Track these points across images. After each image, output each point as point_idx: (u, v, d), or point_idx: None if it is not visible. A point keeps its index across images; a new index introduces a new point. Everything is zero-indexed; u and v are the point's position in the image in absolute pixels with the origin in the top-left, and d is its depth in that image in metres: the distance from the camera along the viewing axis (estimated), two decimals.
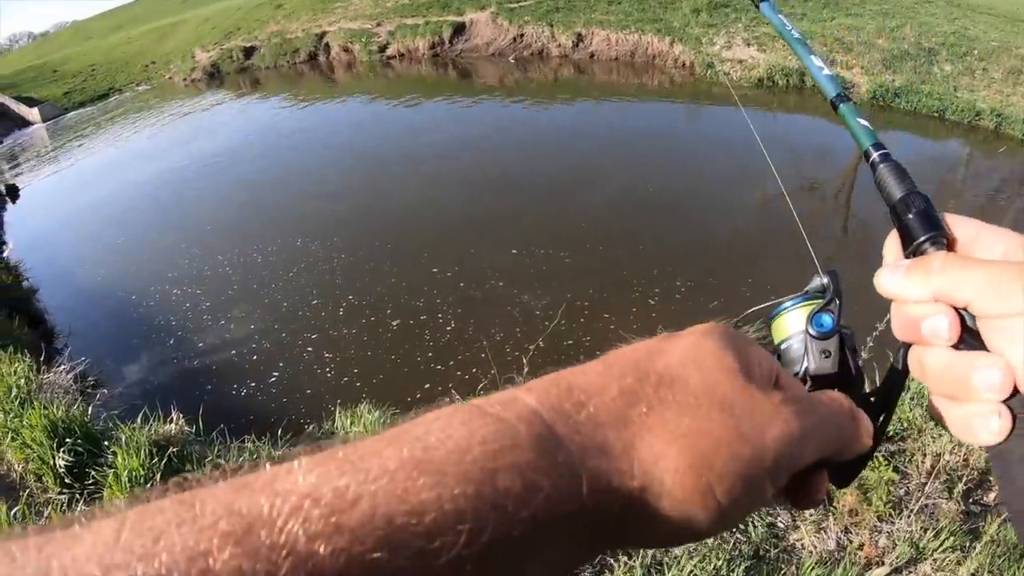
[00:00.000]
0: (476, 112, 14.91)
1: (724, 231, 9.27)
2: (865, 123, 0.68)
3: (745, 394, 0.38)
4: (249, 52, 21.22)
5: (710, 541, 3.67)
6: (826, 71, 0.74)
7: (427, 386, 6.40)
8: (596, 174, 11.07)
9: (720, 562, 3.53)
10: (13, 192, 17.28)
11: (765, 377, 0.42)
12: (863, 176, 12.40)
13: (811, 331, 0.58)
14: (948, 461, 4.87)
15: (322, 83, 17.60)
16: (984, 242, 0.52)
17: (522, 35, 18.43)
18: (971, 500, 4.38)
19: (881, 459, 4.41)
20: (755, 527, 3.82)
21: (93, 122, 23.17)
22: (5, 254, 11.66)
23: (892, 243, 0.57)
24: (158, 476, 3.76)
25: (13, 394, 4.79)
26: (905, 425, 5.06)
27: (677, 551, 3.64)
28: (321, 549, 0.26)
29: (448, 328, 7.29)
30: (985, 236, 0.52)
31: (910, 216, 0.56)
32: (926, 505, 4.00)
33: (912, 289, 0.49)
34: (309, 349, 7.09)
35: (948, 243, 0.53)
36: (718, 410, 0.37)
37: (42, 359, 5.81)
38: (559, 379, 0.37)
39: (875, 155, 0.64)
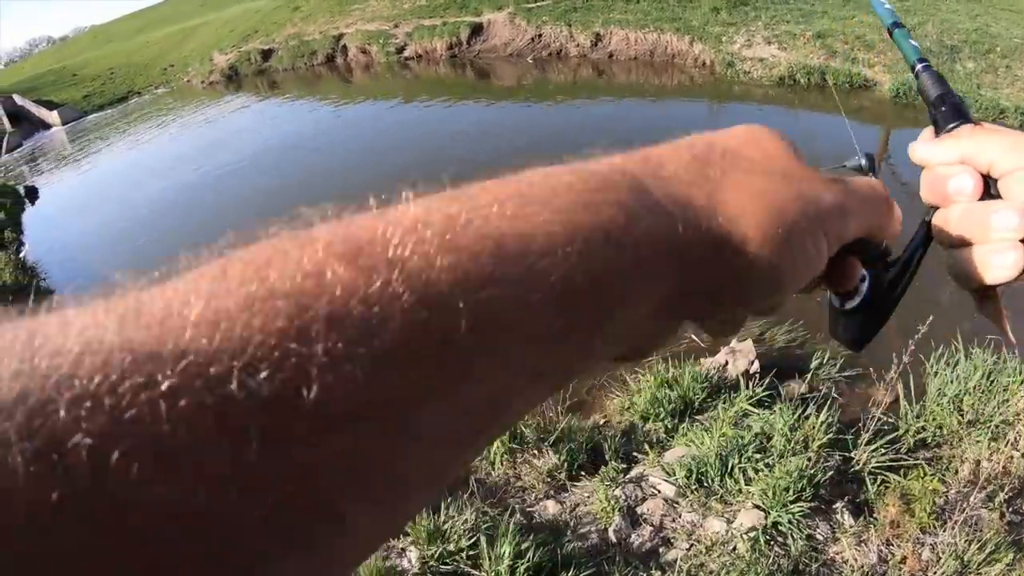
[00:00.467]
0: (497, 114, 14.91)
1: None
2: (915, 43, 0.74)
3: (801, 168, 0.42)
4: (267, 54, 21.34)
5: (747, 554, 3.60)
6: (886, 4, 0.79)
7: None
8: None
9: None
10: (32, 194, 17.47)
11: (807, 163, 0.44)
12: (886, 176, 12.51)
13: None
14: (987, 468, 4.78)
15: (340, 84, 17.65)
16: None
17: (540, 35, 18.38)
18: (1012, 509, 4.29)
19: (925, 467, 4.32)
20: (794, 540, 3.74)
21: (112, 125, 23.35)
22: (22, 254, 11.72)
23: (927, 133, 0.62)
24: None
25: None
26: (944, 431, 4.97)
27: (714, 565, 3.58)
28: (437, 263, 0.25)
29: None
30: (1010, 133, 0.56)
31: (943, 109, 0.62)
32: (969, 516, 3.90)
33: (942, 154, 0.56)
34: None
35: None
36: (781, 176, 0.40)
37: None
38: (633, 152, 0.38)
39: (919, 66, 0.71)
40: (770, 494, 3.91)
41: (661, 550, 3.73)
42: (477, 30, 18.61)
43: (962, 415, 5.47)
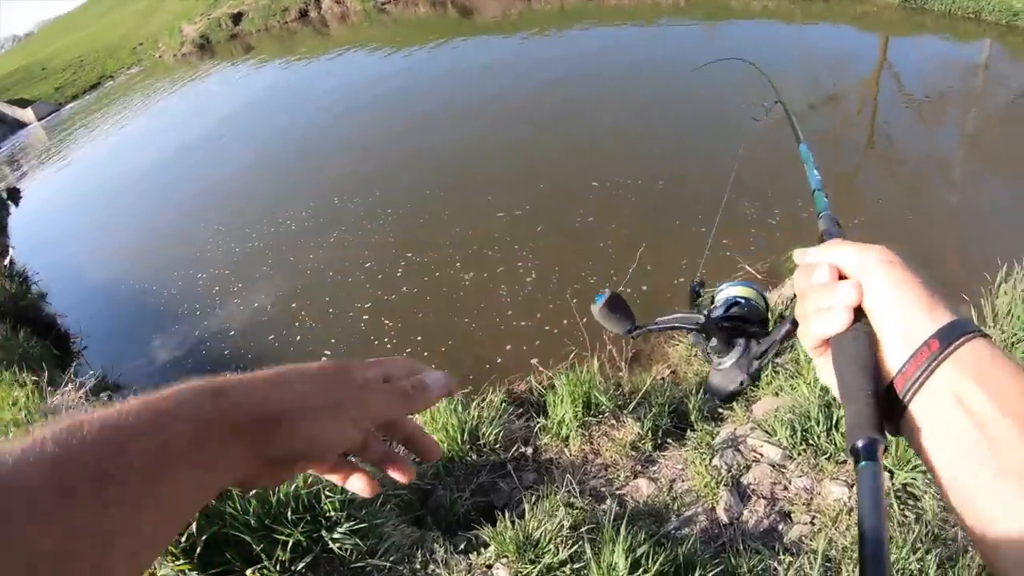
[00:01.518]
0: (489, 49, 14.06)
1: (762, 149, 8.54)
2: (828, 200, 1.01)
3: (335, 379, 0.64)
4: (237, 18, 20.28)
5: None
6: (818, 177, 1.10)
7: (508, 347, 5.66)
8: (630, 100, 10.29)
9: None
10: (15, 195, 16.84)
11: None
12: (886, 86, 11.98)
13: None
14: None
15: (317, 39, 16.64)
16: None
17: None
18: None
19: None
20: (928, 503, 3.22)
21: (89, 113, 22.55)
22: (7, 261, 11.05)
23: (815, 245, 0.82)
24: None
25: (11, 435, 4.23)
26: None
27: (845, 541, 3.07)
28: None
29: (528, 279, 6.49)
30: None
31: (825, 234, 0.90)
32: None
33: (813, 256, 0.76)
34: (365, 318, 6.30)
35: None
36: (320, 384, 0.62)
37: (50, 376, 5.29)
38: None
39: (821, 214, 0.97)
40: (893, 451, 3.40)
41: (781, 527, 3.20)
42: None
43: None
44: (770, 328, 1.00)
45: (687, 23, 15.41)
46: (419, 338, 5.90)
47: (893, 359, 0.64)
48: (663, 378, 4.81)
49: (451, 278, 6.62)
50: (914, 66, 12.78)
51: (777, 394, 4.14)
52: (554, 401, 4.09)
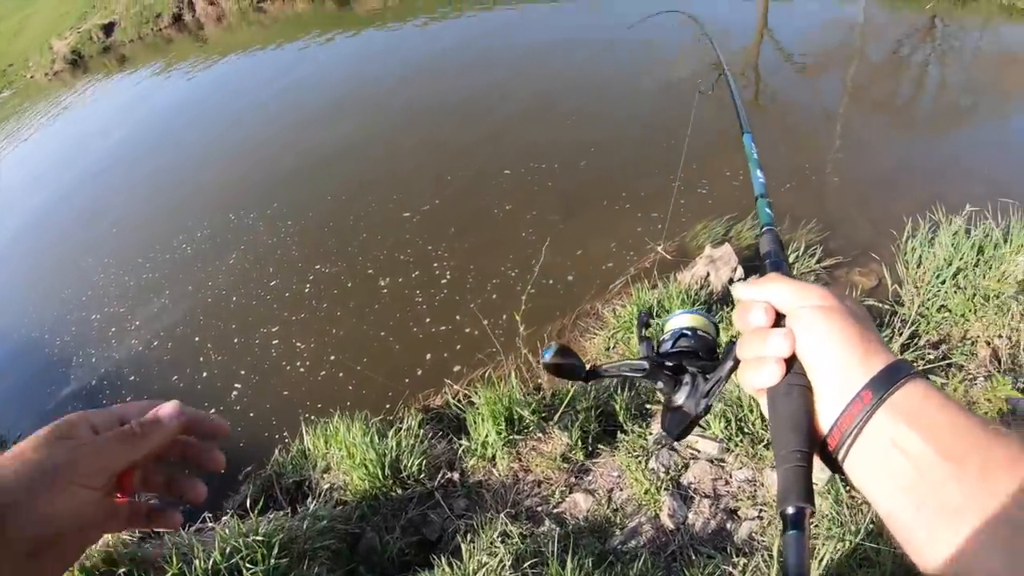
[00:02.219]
0: (376, 40, 13.58)
1: (664, 118, 8.53)
2: (770, 212, 1.08)
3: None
4: (109, 29, 19.06)
5: (832, 511, 2.98)
6: (760, 178, 1.20)
7: (429, 356, 5.37)
8: (523, 83, 10.11)
9: None
10: None
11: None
12: (766, 49, 12.28)
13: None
14: (1000, 345, 4.41)
15: (193, 44, 15.77)
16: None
17: None
18: None
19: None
20: None
21: None
22: None
23: (752, 278, 0.86)
24: None
25: None
26: (953, 312, 4.56)
27: None
28: None
29: (444, 281, 6.18)
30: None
31: (767, 262, 0.92)
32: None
33: (750, 293, 0.76)
34: (275, 343, 5.83)
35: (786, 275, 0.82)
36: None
37: None
38: None
39: (765, 229, 1.00)
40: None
41: (730, 526, 3.09)
42: None
43: (962, 291, 5.15)
44: (719, 355, 0.98)
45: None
46: (333, 357, 5.53)
47: (828, 410, 0.65)
48: None
49: (365, 288, 6.25)
50: (795, 27, 13.17)
51: None
52: (475, 420, 3.87)
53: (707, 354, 0.97)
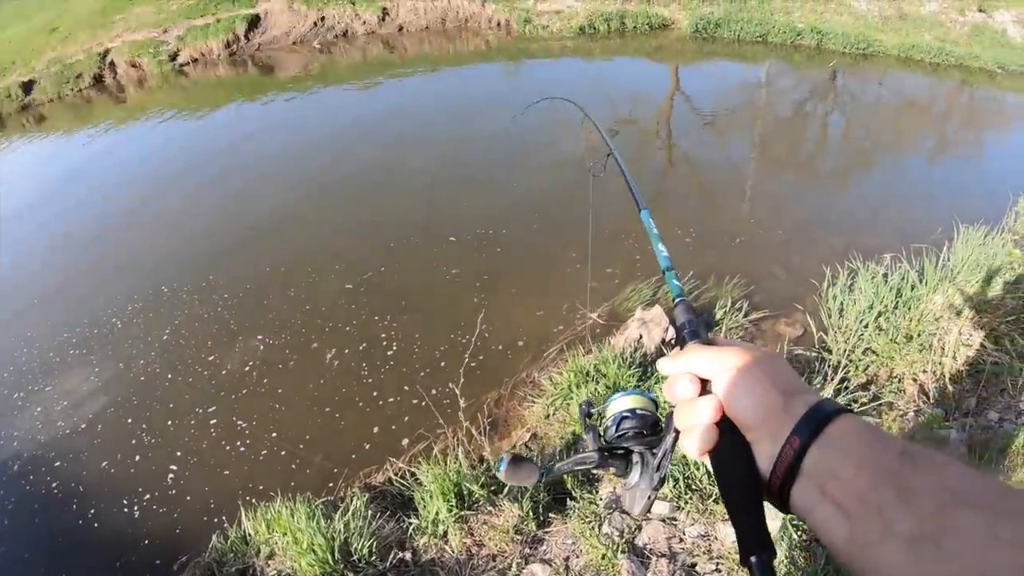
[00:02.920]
0: (296, 108, 13.50)
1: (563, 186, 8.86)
2: (678, 283, 1.05)
3: None
4: (28, 87, 18.28)
5: (785, 555, 3.06)
6: (664, 253, 1.13)
7: (376, 429, 5.27)
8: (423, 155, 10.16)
9: None
10: None
11: None
12: (679, 108, 12.95)
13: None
14: (924, 379, 4.60)
15: (113, 106, 15.31)
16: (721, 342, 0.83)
17: (323, 18, 17.00)
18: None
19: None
20: None
21: None
22: None
23: (673, 351, 0.87)
24: None
25: None
26: (879, 354, 4.76)
27: None
28: None
29: (391, 352, 6.09)
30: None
31: (684, 332, 0.90)
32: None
33: (672, 367, 0.81)
34: (213, 422, 5.53)
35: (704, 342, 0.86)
36: None
37: None
38: None
39: (677, 300, 1.00)
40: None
41: None
42: (255, 22, 16.82)
43: (885, 332, 5.37)
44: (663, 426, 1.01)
45: (494, 66, 15.71)
46: (275, 434, 5.33)
47: (767, 458, 0.69)
48: (526, 444, 4.64)
49: (308, 362, 6.09)
50: (706, 90, 13.77)
51: None
52: (423, 498, 3.81)
53: (651, 429, 1.01)
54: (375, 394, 5.61)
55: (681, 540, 3.35)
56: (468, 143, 10.58)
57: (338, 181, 9.64)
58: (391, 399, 5.52)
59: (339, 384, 5.78)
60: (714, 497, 3.51)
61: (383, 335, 6.29)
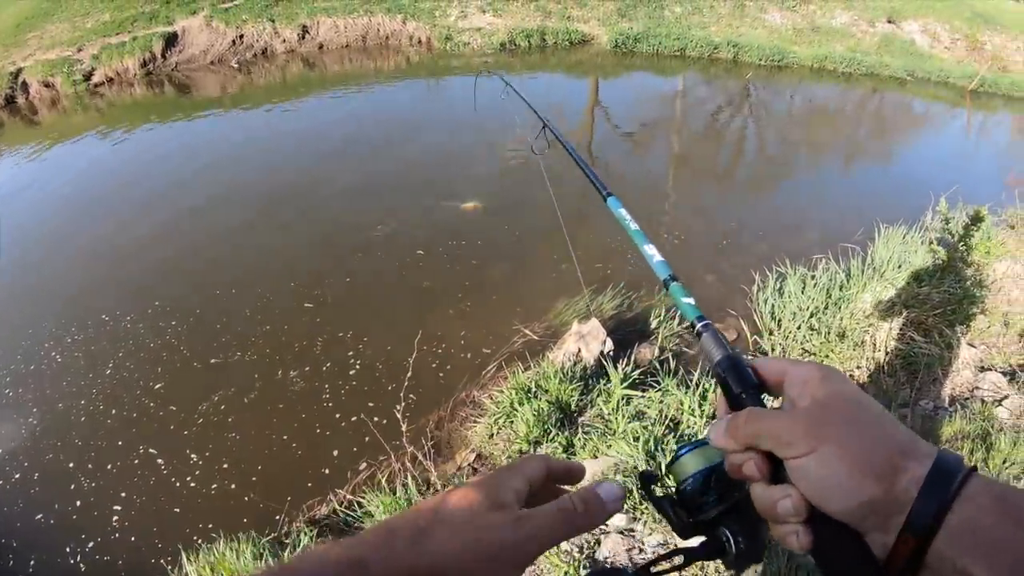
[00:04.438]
0: (223, 128, 13.10)
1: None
2: (690, 301, 0.89)
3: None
4: None
5: None
6: (657, 257, 1.02)
7: (336, 452, 5.08)
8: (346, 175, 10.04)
9: None
10: None
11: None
12: (600, 121, 13.26)
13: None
14: (858, 375, 4.72)
15: (25, 128, 14.51)
16: (791, 377, 0.67)
17: (242, 36, 16.60)
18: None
19: None
20: None
21: None
22: None
23: (719, 400, 0.75)
24: None
25: None
26: (816, 351, 4.86)
27: None
28: None
29: (352, 372, 5.92)
30: (791, 371, 0.68)
31: (725, 376, 0.73)
32: None
33: (729, 443, 0.67)
34: (160, 463, 5.15)
35: (761, 386, 0.71)
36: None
37: None
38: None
39: (699, 326, 0.83)
40: None
41: None
42: (172, 40, 16.27)
43: (818, 332, 5.50)
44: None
45: (415, 80, 15.62)
46: (226, 465, 5.07)
47: (879, 549, 0.58)
48: (471, 465, 4.58)
49: (263, 386, 5.83)
50: (627, 103, 14.05)
51: (596, 456, 4.08)
52: None
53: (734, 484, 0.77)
54: (338, 416, 5.44)
55: (641, 551, 3.33)
56: (394, 162, 10.48)
57: (284, 197, 9.38)
58: (331, 427, 5.37)
59: (299, 406, 5.59)
60: None
61: (352, 354, 6.14)
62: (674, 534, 3.63)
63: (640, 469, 3.68)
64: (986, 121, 15.23)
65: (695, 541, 0.78)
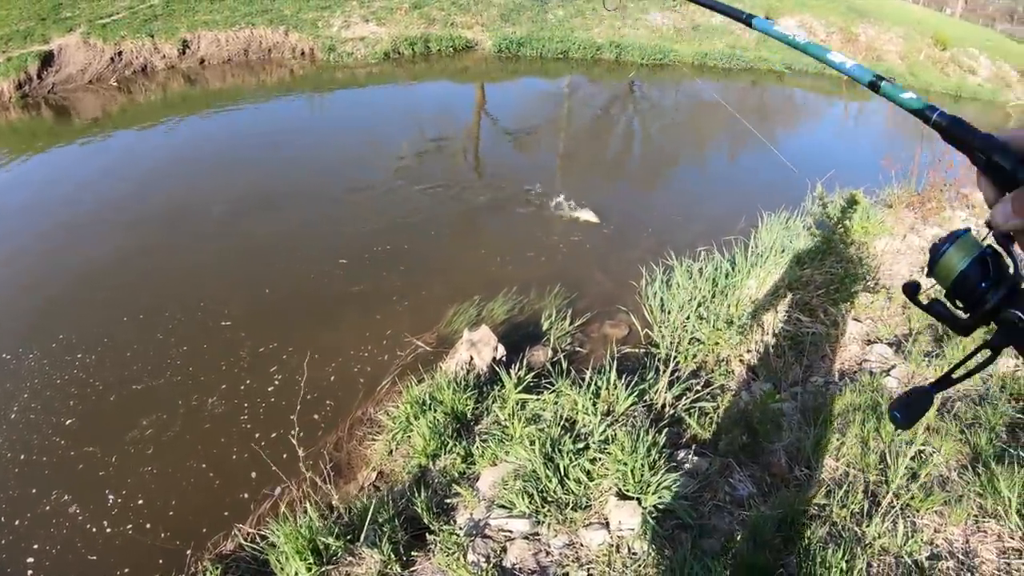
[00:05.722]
0: (102, 151, 12.38)
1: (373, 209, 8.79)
2: (910, 94, 0.81)
3: None
4: None
5: (652, 549, 3.10)
6: (850, 63, 0.90)
7: (254, 475, 4.79)
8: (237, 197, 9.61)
9: None
10: None
11: None
12: (486, 125, 13.29)
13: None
14: (748, 358, 4.86)
15: None
16: None
17: (120, 53, 15.71)
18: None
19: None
20: (688, 513, 3.30)
21: None
22: None
23: (984, 183, 0.71)
24: None
25: None
26: (705, 341, 4.98)
27: None
28: None
29: (271, 388, 5.64)
30: None
31: (990, 154, 0.69)
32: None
33: (1020, 220, 0.64)
34: (73, 510, 4.64)
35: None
36: None
37: None
38: None
39: (934, 116, 0.77)
40: (627, 477, 3.47)
41: None
42: (48, 60, 15.28)
43: (707, 321, 5.62)
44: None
45: (299, 97, 15.25)
46: (142, 502, 4.64)
47: None
48: (374, 484, 4.45)
49: (188, 412, 5.44)
50: (513, 106, 14.15)
51: (495, 463, 4.03)
52: (278, 560, 3.52)
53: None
54: (258, 435, 5.14)
55: (548, 554, 3.29)
56: (282, 178, 10.13)
57: (160, 223, 8.85)
58: (273, 435, 5.10)
59: (217, 428, 5.26)
60: (572, 505, 3.49)
61: (276, 369, 5.85)
62: (715, 457, 3.65)
63: (541, 473, 3.64)
64: (863, 108, 16.08)
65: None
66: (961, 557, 3.21)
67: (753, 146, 12.46)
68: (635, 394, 4.27)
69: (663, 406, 4.38)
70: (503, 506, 3.53)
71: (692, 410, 4.30)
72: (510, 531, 3.41)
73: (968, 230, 0.75)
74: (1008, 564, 3.15)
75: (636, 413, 4.16)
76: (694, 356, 5.29)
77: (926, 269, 0.78)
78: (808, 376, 5.02)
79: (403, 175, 9.70)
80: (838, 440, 3.94)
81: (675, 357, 5.05)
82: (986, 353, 0.74)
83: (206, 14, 16.92)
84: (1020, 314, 0.69)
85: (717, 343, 5.33)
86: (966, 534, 3.34)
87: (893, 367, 5.04)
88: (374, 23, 17.19)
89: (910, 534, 3.26)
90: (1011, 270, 0.71)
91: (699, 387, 4.67)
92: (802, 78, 16.76)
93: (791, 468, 3.84)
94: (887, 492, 3.45)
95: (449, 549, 3.32)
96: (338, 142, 11.51)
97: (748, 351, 5.21)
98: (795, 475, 3.78)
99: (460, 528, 3.49)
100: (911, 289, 0.81)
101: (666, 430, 3.92)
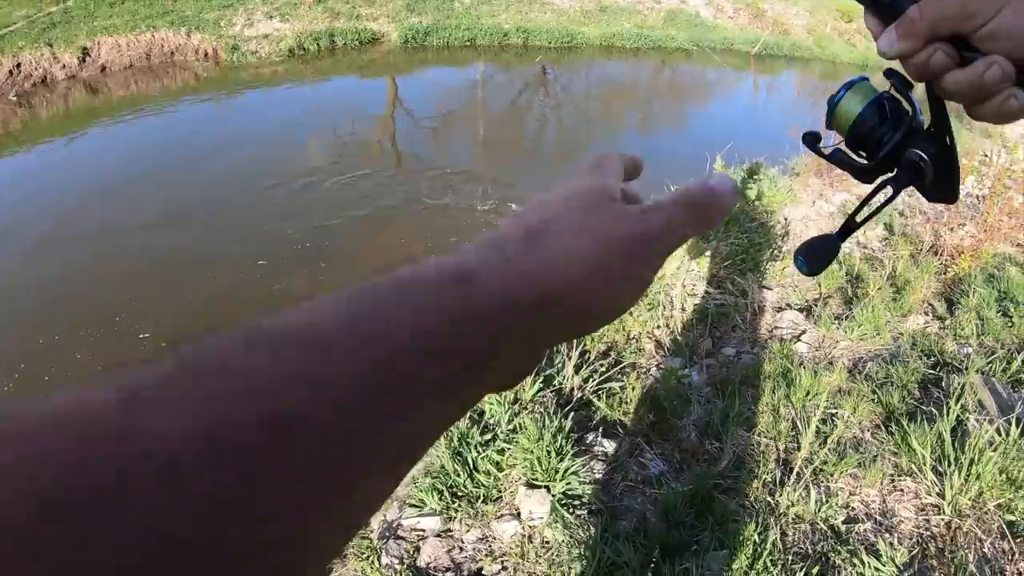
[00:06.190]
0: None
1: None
2: None
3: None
4: None
5: (565, 537, 3.13)
6: None
7: None
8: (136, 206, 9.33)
9: None
10: None
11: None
12: (400, 118, 13.13)
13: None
14: (660, 334, 4.93)
15: None
16: None
17: (19, 65, 14.99)
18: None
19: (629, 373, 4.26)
20: (598, 498, 3.32)
21: None
22: None
23: (869, 20, 0.67)
24: None
25: None
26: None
27: (545, 567, 3.03)
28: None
29: None
30: None
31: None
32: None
33: (908, 44, 0.61)
34: None
35: None
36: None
37: None
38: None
39: None
40: (534, 466, 3.48)
41: None
42: None
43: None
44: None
45: (204, 100, 14.83)
46: None
47: None
48: None
49: None
50: (424, 97, 14.06)
51: None
52: None
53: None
54: None
55: (461, 549, 3.28)
56: (192, 186, 9.88)
57: (99, 231, 8.56)
58: None
59: None
60: (483, 499, 3.49)
61: None
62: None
63: (449, 468, 3.63)
64: (772, 82, 16.48)
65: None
66: (879, 518, 3.31)
67: (665, 123, 12.69)
68: (541, 380, 4.27)
69: (571, 390, 4.39)
70: (414, 505, 3.51)
71: (600, 392, 4.32)
72: (423, 530, 3.38)
73: (865, 77, 0.73)
74: (927, 521, 3.28)
75: (544, 399, 4.17)
76: (602, 337, 5.34)
77: (824, 121, 0.77)
78: (720, 347, 5.11)
79: (317, 172, 9.57)
80: (749, 410, 4.03)
81: (583, 338, 5.07)
82: (887, 192, 0.74)
83: (105, 19, 16.23)
84: (921, 153, 0.69)
85: (625, 321, 5.38)
86: (882, 494, 3.45)
87: (804, 332, 5.18)
88: (278, 19, 16.81)
89: (824, 499, 3.35)
90: (909, 114, 0.70)
91: (607, 367, 4.70)
92: (710, 55, 17.07)
93: (702, 442, 3.91)
94: (798, 459, 3.54)
95: (362, 553, 3.28)
96: (247, 144, 11.26)
97: (658, 327, 5.27)
98: (706, 449, 3.85)
99: (372, 531, 3.45)
100: (811, 139, 0.78)
101: (573, 414, 3.93)
